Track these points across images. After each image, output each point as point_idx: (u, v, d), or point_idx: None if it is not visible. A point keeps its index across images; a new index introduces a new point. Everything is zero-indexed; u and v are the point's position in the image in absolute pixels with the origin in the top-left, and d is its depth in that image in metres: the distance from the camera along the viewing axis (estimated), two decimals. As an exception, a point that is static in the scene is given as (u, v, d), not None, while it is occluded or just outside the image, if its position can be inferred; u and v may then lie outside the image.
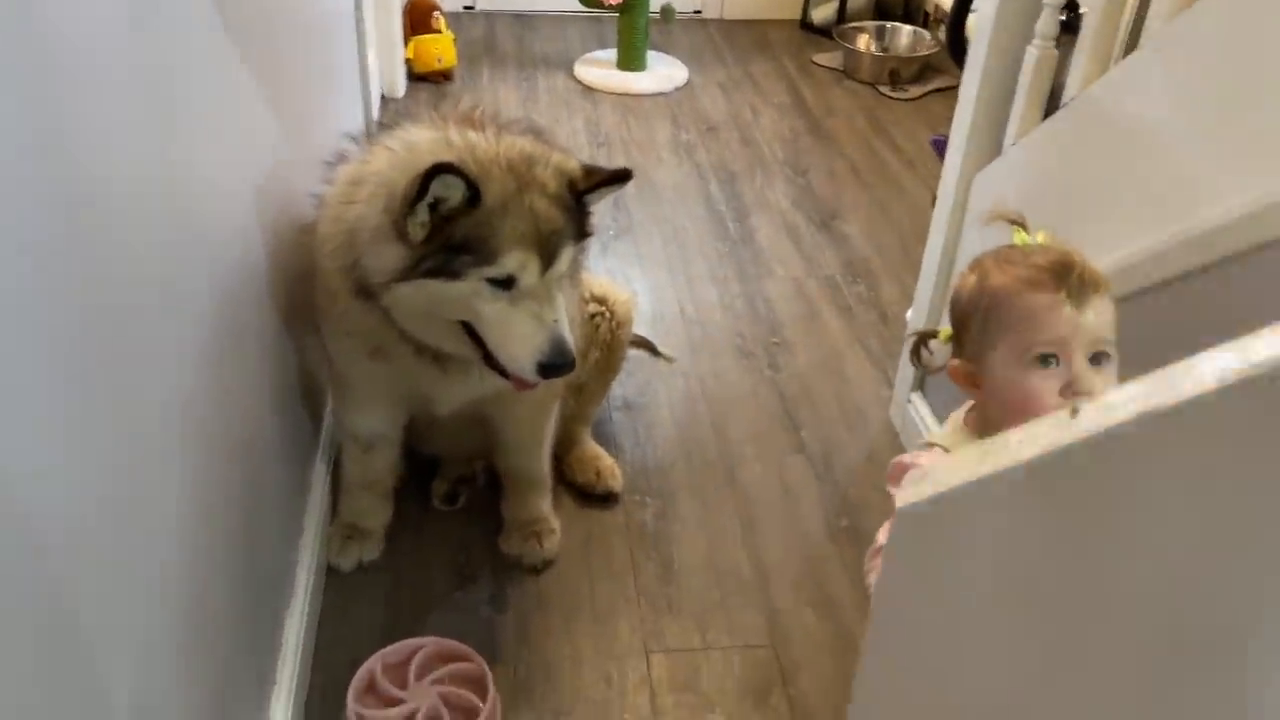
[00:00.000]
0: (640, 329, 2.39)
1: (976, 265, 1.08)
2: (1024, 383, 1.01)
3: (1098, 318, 1.01)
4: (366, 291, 1.44)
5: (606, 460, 2.01)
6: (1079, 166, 1.54)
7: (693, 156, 3.32)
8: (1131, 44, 1.54)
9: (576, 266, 1.62)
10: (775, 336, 2.50)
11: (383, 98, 3.39)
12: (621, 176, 1.49)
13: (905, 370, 2.15)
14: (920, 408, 2.09)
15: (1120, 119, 1.42)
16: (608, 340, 2.00)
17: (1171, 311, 1.31)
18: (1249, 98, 1.18)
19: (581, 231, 1.49)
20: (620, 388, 2.27)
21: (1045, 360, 1.00)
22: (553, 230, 1.40)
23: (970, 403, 1.15)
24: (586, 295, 1.98)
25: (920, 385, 2.12)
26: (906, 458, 1.10)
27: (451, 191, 1.32)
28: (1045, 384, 0.99)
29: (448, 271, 1.37)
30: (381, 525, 1.83)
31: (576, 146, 3.32)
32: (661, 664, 1.68)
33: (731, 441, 2.16)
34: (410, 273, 1.37)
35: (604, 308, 2.00)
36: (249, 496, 1.40)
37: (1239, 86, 1.20)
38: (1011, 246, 1.09)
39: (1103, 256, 1.38)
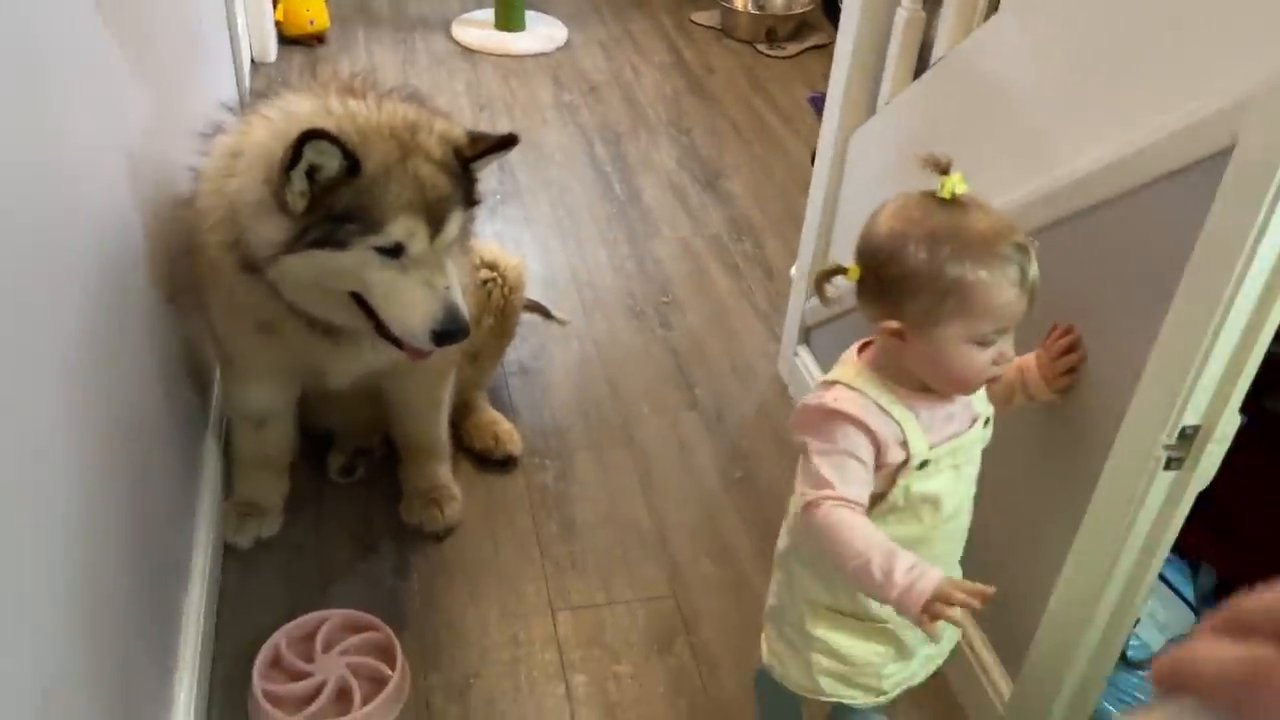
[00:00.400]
0: (532, 293, 2.40)
1: (930, 239, 1.02)
2: (967, 358, 1.05)
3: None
4: (252, 266, 1.42)
5: (504, 425, 2.03)
6: (948, 124, 1.62)
7: (576, 118, 3.32)
8: (993, 6, 1.61)
9: (466, 234, 1.62)
10: (665, 296, 2.54)
11: (253, 62, 3.28)
12: (508, 142, 1.50)
13: (791, 324, 2.22)
14: (806, 360, 2.17)
15: (983, 78, 1.49)
16: (500, 306, 2.01)
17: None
18: (1095, 59, 1.26)
19: (470, 198, 1.49)
20: (515, 352, 2.28)
21: (987, 341, 1.05)
22: (440, 197, 1.40)
23: (863, 341, 1.16)
24: (477, 261, 1.98)
25: (805, 339, 2.19)
26: (812, 400, 1.10)
27: (327, 159, 1.30)
28: (984, 356, 1.05)
29: (333, 241, 1.35)
30: (278, 501, 1.81)
31: (458, 110, 3.28)
32: (567, 621, 1.72)
33: (626, 400, 2.20)
34: (295, 244, 1.35)
35: (495, 273, 2.00)
36: (136, 476, 1.37)
37: (1087, 48, 1.28)
38: (949, 212, 1.04)
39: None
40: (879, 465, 1.08)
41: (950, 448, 1.12)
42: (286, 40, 3.51)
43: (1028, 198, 1.35)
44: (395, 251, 1.38)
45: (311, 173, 1.30)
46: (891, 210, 1.07)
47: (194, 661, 1.47)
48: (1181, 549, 1.64)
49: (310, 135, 1.27)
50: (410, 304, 1.41)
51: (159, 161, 1.62)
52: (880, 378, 1.09)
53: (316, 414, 1.88)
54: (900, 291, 1.04)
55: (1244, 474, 1.67)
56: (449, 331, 1.43)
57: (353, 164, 1.31)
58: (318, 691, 1.51)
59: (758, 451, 2.09)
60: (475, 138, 1.49)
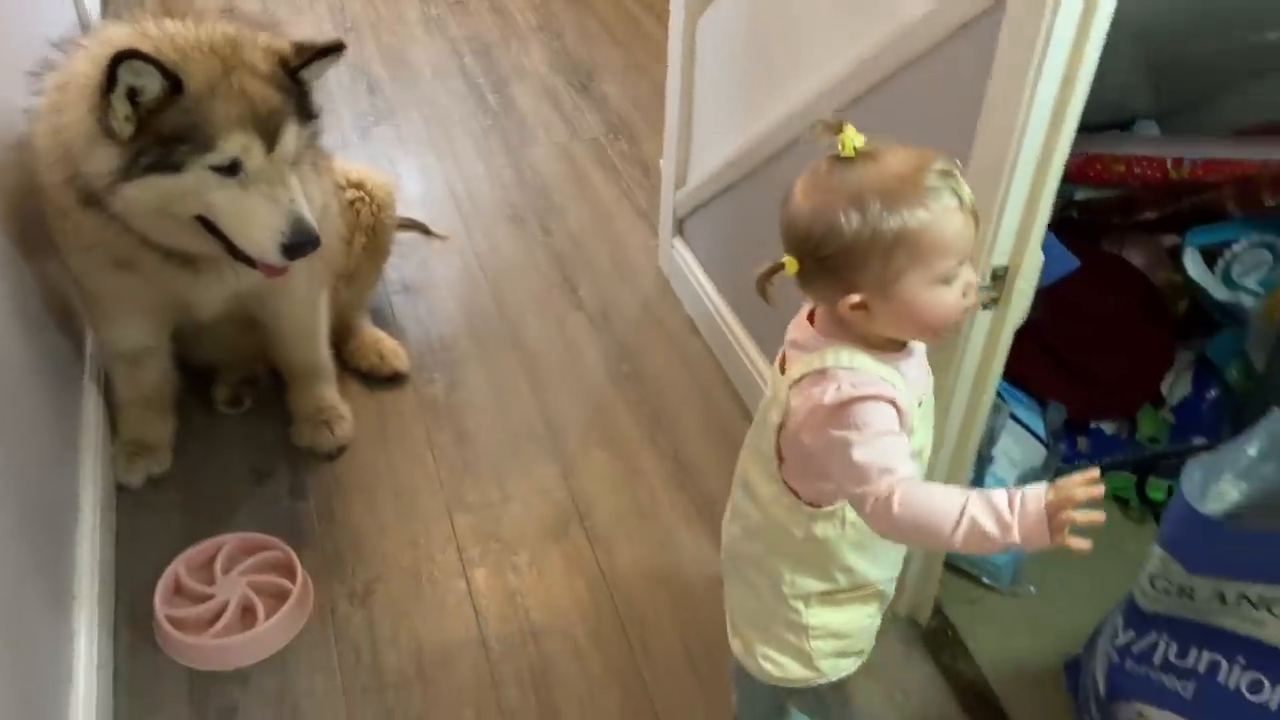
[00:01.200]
0: (411, 211, 2.41)
1: (855, 201, 0.95)
2: (938, 300, 0.98)
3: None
4: (93, 199, 1.41)
5: (389, 342, 2.06)
6: (782, 5, 1.65)
7: (445, 32, 3.27)
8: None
9: (315, 150, 1.62)
10: (545, 202, 2.56)
11: (103, 1, 3.16)
12: (334, 48, 1.49)
13: (665, 218, 2.26)
14: (684, 252, 2.22)
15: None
16: (371, 224, 2.02)
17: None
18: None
19: (305, 111, 1.49)
20: (396, 271, 2.30)
21: (951, 276, 0.98)
22: (271, 110, 1.40)
23: (808, 311, 1.08)
24: (343, 182, 1.98)
25: (679, 231, 2.24)
26: (816, 398, 1.00)
27: (145, 79, 1.30)
28: (952, 294, 0.98)
29: (168, 165, 1.36)
30: (166, 438, 1.82)
31: (322, 33, 3.21)
32: (464, 521, 1.78)
33: (512, 308, 2.24)
34: (130, 171, 1.35)
35: (362, 192, 2.01)
36: (9, 424, 1.38)
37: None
38: (856, 164, 0.97)
39: (814, 82, 1.51)
40: (905, 430, 1.01)
41: (928, 396, 1.09)
42: (134, -27, 3.38)
43: (858, 60, 1.40)
44: (232, 169, 1.39)
45: (134, 96, 1.30)
46: (803, 189, 0.99)
47: (91, 595, 1.50)
48: (1031, 389, 1.77)
49: (123, 56, 1.26)
50: (255, 220, 1.42)
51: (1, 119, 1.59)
52: (863, 349, 1.01)
53: (195, 348, 1.88)
54: (847, 265, 0.97)
55: (1085, 316, 1.79)
56: (298, 244, 1.45)
57: (174, 83, 1.31)
58: (221, 612, 1.56)
59: (644, 345, 2.15)
60: (300, 47, 1.48)
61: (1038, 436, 1.74)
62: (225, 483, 1.82)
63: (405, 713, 1.49)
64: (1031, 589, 1.65)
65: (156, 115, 1.31)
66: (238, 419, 1.93)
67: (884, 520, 0.97)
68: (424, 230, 2.38)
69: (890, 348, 1.03)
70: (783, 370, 1.07)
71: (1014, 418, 1.72)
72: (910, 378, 1.03)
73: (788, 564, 1.14)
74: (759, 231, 1.86)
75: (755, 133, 1.75)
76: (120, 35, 1.38)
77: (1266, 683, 1.10)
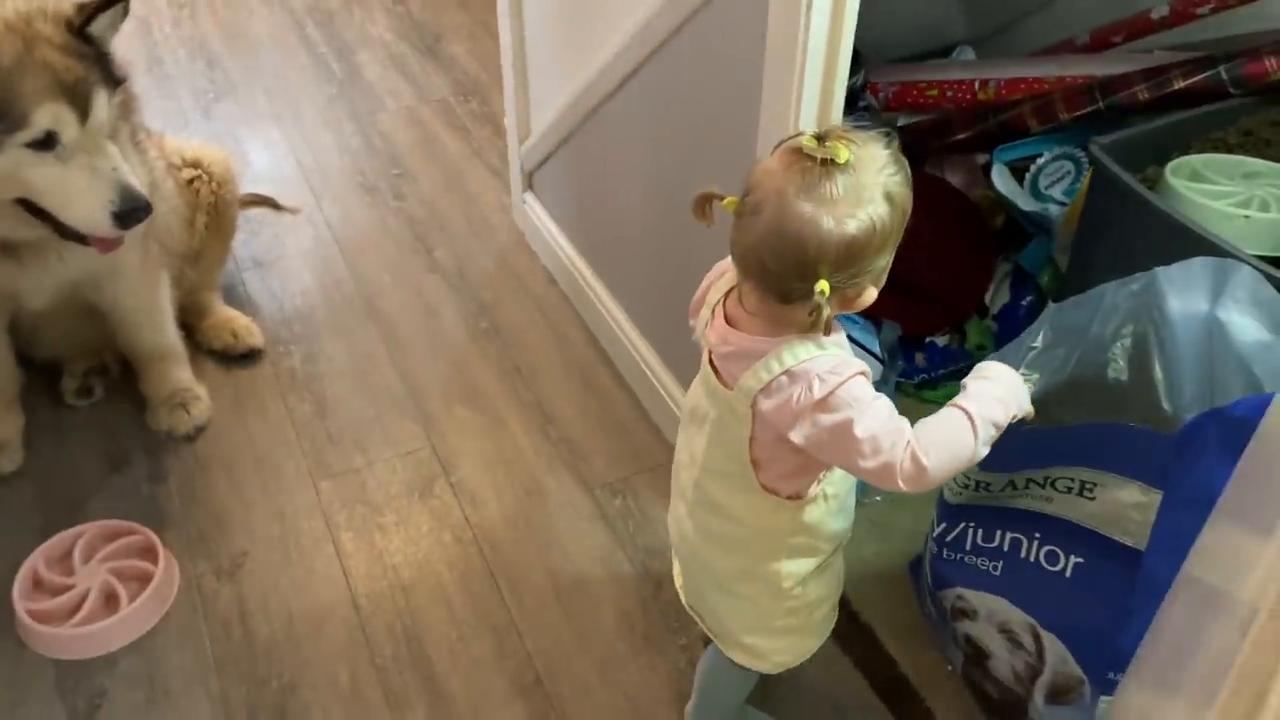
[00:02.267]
0: (258, 187, 2.38)
1: (874, 199, 0.94)
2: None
3: None
4: None
5: (241, 320, 2.04)
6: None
7: (285, 3, 3.20)
8: None
9: (134, 127, 1.60)
10: (396, 168, 2.55)
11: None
12: (113, 1, 1.46)
13: (514, 173, 2.28)
14: (535, 207, 2.25)
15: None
16: (212, 202, 1.99)
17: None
18: None
19: (111, 77, 1.47)
20: (246, 248, 2.27)
21: None
22: (77, 79, 1.39)
23: (722, 319, 1.07)
24: (179, 161, 1.95)
25: (529, 185, 2.26)
26: (793, 400, 0.99)
27: None
28: None
29: None
30: (15, 434, 1.79)
31: (155, 10, 3.12)
32: (329, 489, 1.79)
33: (367, 275, 2.24)
34: None
35: (200, 170, 1.98)
36: None
37: None
38: (862, 161, 0.94)
39: (632, 22, 1.55)
40: None
41: None
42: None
43: (652, 10, 1.45)
44: (48, 143, 1.37)
45: None
46: (826, 208, 0.93)
47: (-57, 599, 1.48)
48: (865, 310, 1.85)
49: None
50: (80, 193, 1.41)
51: None
52: (810, 340, 1.01)
53: (37, 343, 1.85)
54: (874, 263, 0.97)
55: (911, 237, 1.88)
56: (129, 210, 1.44)
57: None
58: (83, 601, 1.55)
59: (501, 301, 2.18)
60: (81, 5, 1.45)
61: (874, 354, 1.83)
62: (81, 474, 1.80)
63: (279, 678, 1.52)
64: (878, 498, 1.74)
65: None
66: (90, 411, 1.90)
67: (918, 478, 0.97)
68: (273, 205, 2.35)
69: (826, 330, 1.00)
70: (725, 384, 1.06)
71: (851, 339, 1.81)
72: (845, 344, 1.06)
73: (780, 559, 1.15)
74: (600, 177, 1.90)
75: (584, 79, 1.78)
76: None
77: (1060, 553, 1.21)
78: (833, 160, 0.92)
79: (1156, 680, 0.90)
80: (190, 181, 1.96)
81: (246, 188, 2.28)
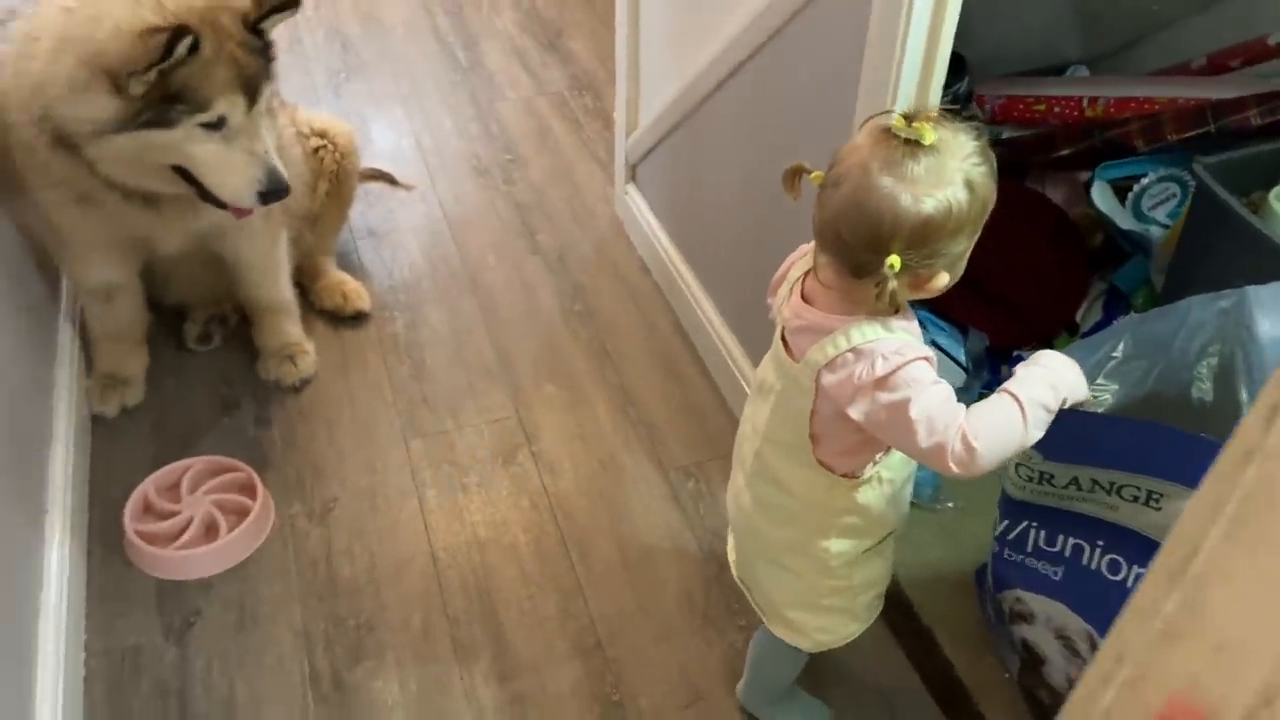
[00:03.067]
0: (379, 163, 2.50)
1: (954, 183, 0.96)
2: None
3: None
4: (65, 141, 1.51)
5: (352, 284, 2.16)
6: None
7: (419, -8, 3.34)
8: None
9: (272, 98, 1.72)
10: (509, 154, 2.65)
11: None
12: (289, 4, 1.58)
13: (619, 165, 2.35)
14: (636, 198, 2.31)
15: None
16: (334, 171, 2.11)
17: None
18: None
19: (271, 67, 1.59)
20: (362, 218, 2.39)
21: None
22: (254, 71, 1.52)
23: (799, 298, 1.10)
24: (307, 130, 2.07)
25: (632, 177, 2.33)
26: (856, 375, 1.02)
27: (179, 51, 1.41)
28: None
29: (163, 121, 1.47)
30: (139, 371, 1.93)
31: (298, -6, 3.29)
32: (419, 447, 1.88)
33: (472, 252, 2.33)
34: (124, 125, 1.45)
35: (326, 141, 2.10)
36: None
37: None
38: (947, 144, 0.97)
39: (737, 21, 1.60)
40: None
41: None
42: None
43: (759, 8, 1.49)
44: (218, 125, 1.51)
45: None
46: (906, 186, 0.95)
47: (64, 510, 1.61)
48: (954, 317, 1.86)
49: (181, 33, 1.38)
50: (235, 170, 1.55)
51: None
52: (878, 322, 1.03)
53: (167, 289, 1.99)
54: (949, 247, 0.99)
55: (1006, 249, 1.88)
56: (272, 190, 1.58)
57: (192, 51, 1.42)
58: (186, 527, 1.67)
59: (596, 286, 2.25)
60: (258, 2, 1.57)
61: (959, 363, 1.83)
62: (194, 413, 1.93)
63: (357, 617, 1.61)
64: (950, 505, 1.75)
65: (165, 77, 1.42)
66: (208, 356, 2.04)
67: (968, 461, 0.99)
68: (390, 180, 2.47)
69: (897, 314, 1.04)
70: (793, 358, 1.09)
71: (935, 344, 1.82)
72: (916, 331, 1.08)
73: (829, 536, 1.18)
74: (698, 171, 1.96)
75: (690, 76, 1.83)
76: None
77: (1124, 563, 1.20)
78: (918, 141, 0.95)
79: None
80: (316, 150, 2.08)
81: (367, 163, 2.41)
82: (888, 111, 1.01)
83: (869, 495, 1.15)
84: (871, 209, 0.97)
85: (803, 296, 1.10)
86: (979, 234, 1.03)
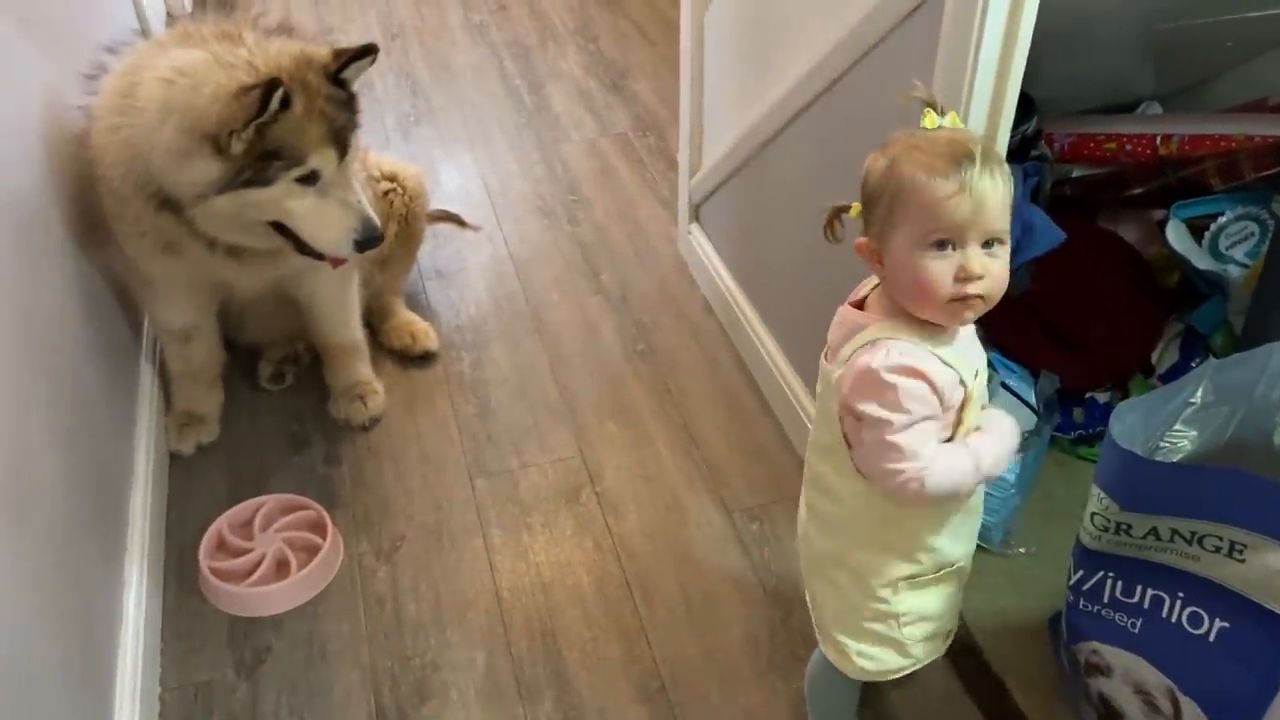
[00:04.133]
0: (447, 205, 2.56)
1: (888, 147, 1.06)
2: (921, 265, 1.02)
3: (992, 207, 1.01)
4: (170, 204, 1.57)
5: (420, 324, 2.19)
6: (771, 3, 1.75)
7: (486, 36, 3.42)
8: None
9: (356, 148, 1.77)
10: (573, 195, 2.68)
11: (169, 15, 3.37)
12: (366, 52, 1.63)
13: (682, 205, 2.36)
14: (699, 238, 2.32)
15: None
16: (403, 214, 2.16)
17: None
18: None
19: (356, 117, 1.64)
20: (430, 259, 2.44)
21: (941, 245, 1.02)
22: (341, 126, 1.57)
23: (854, 300, 1.17)
24: (377, 175, 2.13)
25: (695, 217, 2.34)
26: (865, 360, 1.06)
27: (274, 105, 1.46)
28: (940, 266, 1.01)
29: (262, 179, 1.52)
30: (215, 410, 1.98)
31: (371, 40, 3.38)
32: (484, 486, 1.90)
33: (537, 291, 2.36)
34: (228, 185, 1.51)
35: (395, 184, 2.15)
36: (68, 397, 1.53)
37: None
38: (921, 130, 1.06)
39: (800, 67, 1.61)
40: (945, 409, 1.07)
41: (983, 369, 1.13)
42: (200, -9, 3.60)
43: (834, 44, 1.50)
44: (311, 178, 1.56)
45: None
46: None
47: (142, 548, 1.66)
48: (1024, 359, 1.83)
49: (274, 86, 1.43)
50: (332, 222, 1.60)
51: (60, 115, 1.75)
52: (905, 322, 1.07)
53: (242, 329, 2.05)
54: (869, 202, 1.06)
55: (1079, 289, 1.85)
56: (368, 239, 1.62)
57: (284, 106, 1.47)
58: (259, 564, 1.70)
59: (659, 325, 2.26)
60: (338, 53, 1.63)
61: (1029, 404, 1.80)
62: (267, 451, 1.97)
63: (422, 656, 1.62)
64: (1021, 550, 1.71)
65: (262, 135, 1.48)
66: (280, 395, 2.09)
67: (911, 498, 1.07)
68: (458, 222, 2.51)
69: (933, 329, 1.07)
70: (829, 359, 1.15)
71: (1005, 386, 1.79)
72: (958, 349, 1.08)
73: (872, 553, 1.18)
74: (762, 211, 1.96)
75: (754, 118, 1.84)
76: (197, 64, 1.51)
77: (1205, 615, 1.17)
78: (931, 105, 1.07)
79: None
80: (386, 193, 2.13)
81: (436, 204, 2.46)
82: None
83: (909, 513, 1.15)
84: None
85: (857, 303, 1.15)
86: (901, 225, 1.04)
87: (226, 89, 1.47)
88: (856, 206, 1.09)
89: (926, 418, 1.05)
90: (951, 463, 1.08)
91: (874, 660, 1.26)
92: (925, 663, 1.27)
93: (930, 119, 1.06)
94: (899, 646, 1.24)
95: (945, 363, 1.05)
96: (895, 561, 1.18)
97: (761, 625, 1.65)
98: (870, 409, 1.05)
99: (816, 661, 1.36)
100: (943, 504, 1.12)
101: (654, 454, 1.95)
